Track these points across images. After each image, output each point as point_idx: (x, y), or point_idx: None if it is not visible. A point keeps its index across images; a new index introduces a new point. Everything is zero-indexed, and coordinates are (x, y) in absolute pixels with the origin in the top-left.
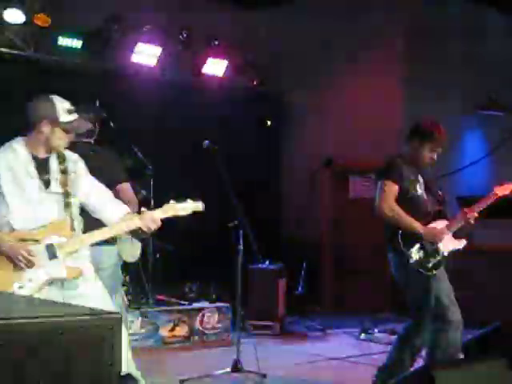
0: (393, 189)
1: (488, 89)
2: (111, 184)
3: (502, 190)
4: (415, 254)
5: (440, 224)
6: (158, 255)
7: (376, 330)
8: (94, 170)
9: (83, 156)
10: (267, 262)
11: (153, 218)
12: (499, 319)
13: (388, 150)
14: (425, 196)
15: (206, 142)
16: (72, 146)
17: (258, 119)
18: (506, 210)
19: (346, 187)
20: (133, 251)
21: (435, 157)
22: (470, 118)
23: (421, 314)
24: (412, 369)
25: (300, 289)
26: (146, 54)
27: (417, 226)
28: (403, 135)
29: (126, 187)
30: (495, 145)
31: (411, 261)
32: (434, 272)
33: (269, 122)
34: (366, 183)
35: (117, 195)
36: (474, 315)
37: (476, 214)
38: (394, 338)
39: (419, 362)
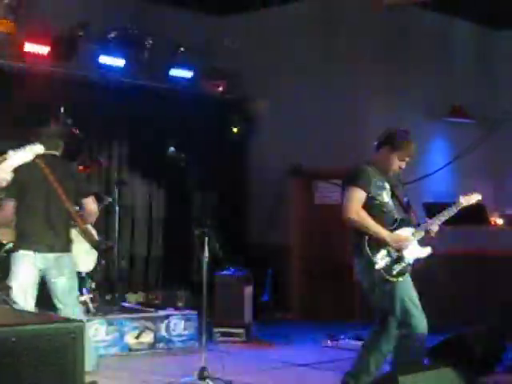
0: (360, 195)
1: (453, 97)
2: (78, 195)
3: (467, 200)
4: (381, 260)
5: (406, 231)
6: (123, 262)
7: (342, 337)
8: (61, 183)
9: (51, 167)
10: (233, 269)
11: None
12: (463, 325)
13: (354, 157)
14: (392, 203)
15: (171, 149)
16: (41, 158)
17: (224, 126)
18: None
19: (312, 193)
20: (87, 262)
21: (403, 165)
22: (436, 125)
23: (386, 320)
24: (378, 374)
25: (266, 296)
26: (111, 61)
27: (383, 232)
28: (369, 141)
29: (88, 201)
30: (460, 152)
31: (376, 267)
32: (400, 278)
33: (235, 129)
34: (333, 189)
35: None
36: (439, 321)
37: (437, 228)
38: (360, 344)
39: (385, 368)
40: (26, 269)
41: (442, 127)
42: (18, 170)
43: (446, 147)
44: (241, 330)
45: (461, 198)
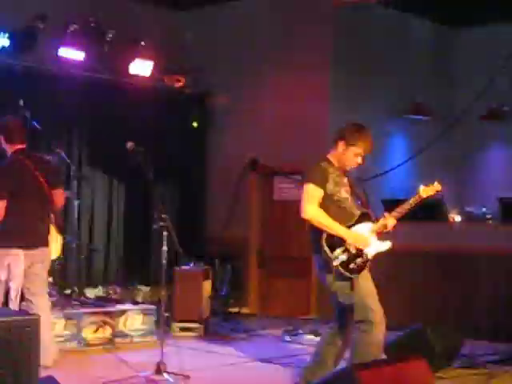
0: (317, 193)
1: (413, 94)
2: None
3: (426, 191)
4: (339, 257)
5: (364, 227)
6: (82, 256)
7: (300, 332)
8: (42, 175)
9: (19, 162)
10: (192, 264)
11: None
12: (422, 322)
13: (314, 151)
14: (350, 199)
15: (130, 143)
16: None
17: (184, 120)
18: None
19: (271, 188)
20: (55, 250)
21: (360, 161)
22: (395, 121)
23: (344, 316)
24: (335, 370)
25: (224, 290)
26: (71, 54)
27: (340, 229)
28: (329, 137)
29: (59, 191)
30: (420, 149)
31: (334, 263)
32: (358, 275)
33: (195, 124)
34: (291, 185)
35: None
36: (398, 318)
37: (395, 222)
38: (317, 339)
39: (342, 363)
40: (18, 268)
41: (401, 124)
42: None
43: (405, 144)
44: (199, 325)
45: (420, 189)
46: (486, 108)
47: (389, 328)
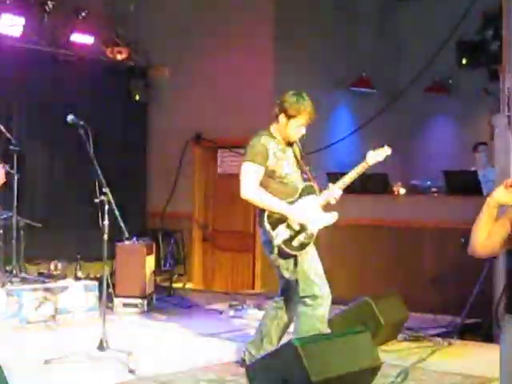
0: (256, 170)
1: (360, 67)
2: None
3: (374, 157)
4: (281, 233)
5: (308, 200)
6: (22, 231)
7: (244, 306)
8: None
9: None
10: (135, 239)
11: None
12: (366, 295)
13: (258, 125)
14: (293, 173)
15: (71, 116)
16: None
17: (126, 93)
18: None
19: (215, 162)
20: None
21: (303, 131)
22: (341, 93)
23: (289, 290)
24: (280, 344)
25: (168, 265)
26: (10, 25)
27: (281, 206)
28: (272, 109)
29: None
30: (364, 121)
31: (276, 242)
32: (302, 250)
33: (137, 97)
34: (236, 158)
35: None
36: (345, 293)
37: (340, 192)
38: (262, 313)
39: (287, 338)
40: None
41: (347, 97)
42: None
43: (350, 117)
44: (142, 301)
45: (368, 155)
46: (431, 81)
47: (335, 302)
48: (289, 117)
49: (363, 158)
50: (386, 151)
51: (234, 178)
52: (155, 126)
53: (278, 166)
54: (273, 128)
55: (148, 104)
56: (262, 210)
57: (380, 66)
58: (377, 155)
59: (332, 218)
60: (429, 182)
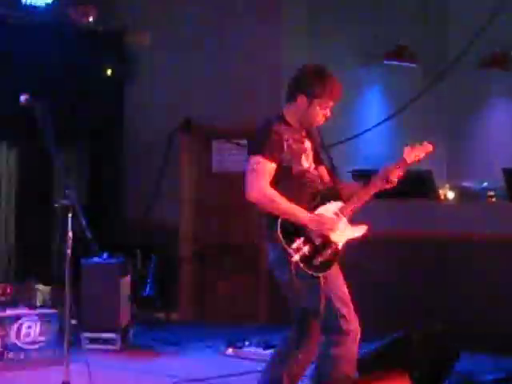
0: (267, 167)
1: (395, 35)
2: None
3: (411, 155)
4: (299, 249)
5: (332, 207)
6: None
7: (247, 344)
8: None
9: None
10: (105, 255)
11: None
12: (402, 327)
13: (264, 107)
14: (313, 170)
15: (24, 96)
16: None
17: (95, 67)
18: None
19: (209, 157)
20: None
21: (329, 114)
22: (370, 69)
23: (307, 323)
24: None
25: (148, 290)
26: None
27: (299, 214)
28: (283, 90)
29: None
30: (401, 105)
31: (294, 259)
32: (324, 271)
33: (109, 72)
34: (235, 151)
35: None
36: (375, 324)
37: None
38: (269, 352)
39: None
40: None
41: (378, 73)
42: None
43: (382, 99)
44: (116, 335)
45: (404, 152)
46: (487, 53)
47: (364, 337)
48: (311, 97)
49: (400, 155)
50: (426, 148)
51: (233, 177)
52: (133, 110)
53: (295, 161)
54: (287, 112)
55: (123, 81)
56: (273, 219)
57: (422, 34)
58: (415, 152)
59: (360, 231)
60: (485, 184)
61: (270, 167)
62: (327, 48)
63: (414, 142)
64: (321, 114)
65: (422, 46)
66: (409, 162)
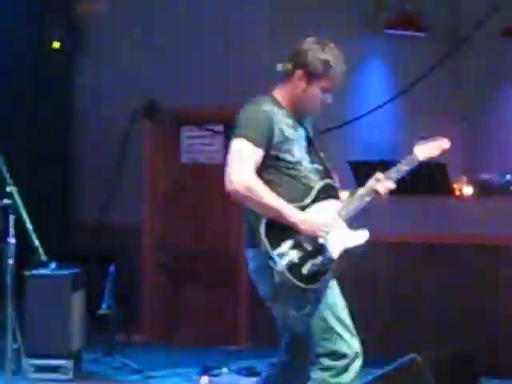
0: (253, 153)
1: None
2: None
3: (424, 151)
4: (286, 255)
5: (329, 207)
6: None
7: (225, 371)
8: None
9: None
10: (54, 266)
11: None
12: (415, 350)
13: (243, 88)
14: (306, 163)
15: None
16: None
17: (39, 39)
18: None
19: (177, 146)
20: None
21: (330, 100)
22: (372, 40)
23: (297, 345)
24: None
25: (106, 307)
26: None
27: (289, 211)
28: (267, 67)
29: None
30: (409, 82)
31: (279, 266)
32: (316, 284)
33: (56, 45)
34: (209, 140)
35: None
36: (379, 344)
37: (390, 187)
38: (253, 381)
39: None
40: None
41: (382, 44)
42: None
43: (384, 75)
44: (67, 362)
45: (415, 148)
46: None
47: (366, 362)
48: (311, 76)
49: (410, 150)
50: (441, 144)
51: (208, 169)
52: (85, 91)
53: (286, 150)
54: (280, 92)
55: (74, 56)
56: (257, 217)
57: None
58: (429, 148)
59: (361, 237)
60: (508, 177)
61: (257, 153)
62: (316, 13)
63: (423, 129)
64: (320, 98)
65: (431, 10)
66: (421, 159)
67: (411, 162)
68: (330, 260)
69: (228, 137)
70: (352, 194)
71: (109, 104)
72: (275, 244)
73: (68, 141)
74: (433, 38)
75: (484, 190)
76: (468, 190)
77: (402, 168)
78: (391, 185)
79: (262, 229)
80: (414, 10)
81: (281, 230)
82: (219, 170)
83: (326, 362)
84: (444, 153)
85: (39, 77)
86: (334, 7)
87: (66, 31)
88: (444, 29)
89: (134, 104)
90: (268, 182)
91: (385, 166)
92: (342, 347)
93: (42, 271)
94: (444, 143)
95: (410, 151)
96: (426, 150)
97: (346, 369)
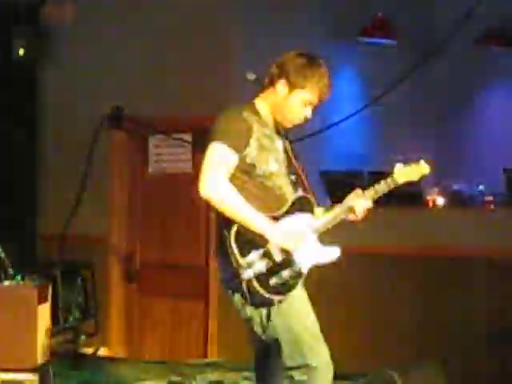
0: (228, 158)
1: (373, 6)
2: None
3: (405, 174)
4: (253, 264)
5: (302, 219)
6: None
7: None
8: None
9: None
10: (19, 278)
11: None
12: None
13: (216, 97)
14: (281, 175)
15: None
16: None
17: (4, 45)
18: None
19: (145, 156)
20: None
21: (309, 113)
22: (343, 47)
23: (266, 358)
24: None
25: (72, 320)
26: None
27: (260, 220)
28: (240, 76)
29: None
30: (383, 90)
31: (245, 275)
32: (284, 296)
33: (21, 51)
34: (178, 149)
35: None
36: (352, 357)
37: (367, 206)
38: None
39: None
40: None
41: (353, 52)
42: None
43: (356, 84)
44: (31, 376)
45: (396, 169)
46: (483, 29)
47: (337, 376)
48: (293, 87)
49: (390, 171)
50: (422, 169)
51: (176, 179)
52: (50, 98)
53: (262, 160)
54: (260, 101)
55: (39, 63)
56: (227, 226)
57: (405, 7)
58: (409, 172)
59: (332, 254)
60: (481, 187)
61: (233, 159)
62: (288, 21)
63: (394, 138)
64: (301, 110)
65: (404, 18)
66: (399, 182)
67: (390, 185)
68: (299, 274)
69: (196, 145)
70: (327, 210)
71: (75, 111)
72: (244, 253)
73: (36, 149)
74: (406, 47)
75: (456, 200)
76: (440, 201)
77: (381, 189)
78: (369, 204)
79: (232, 237)
80: (387, 19)
81: (251, 239)
82: (188, 179)
83: (297, 376)
84: (424, 176)
85: (6, 84)
86: (306, 15)
87: (32, 38)
88: (417, 38)
89: (99, 113)
90: (242, 190)
91: (356, 176)
92: (312, 359)
93: (6, 283)
94: (424, 169)
95: (391, 170)
96: (407, 174)
97: (316, 381)
